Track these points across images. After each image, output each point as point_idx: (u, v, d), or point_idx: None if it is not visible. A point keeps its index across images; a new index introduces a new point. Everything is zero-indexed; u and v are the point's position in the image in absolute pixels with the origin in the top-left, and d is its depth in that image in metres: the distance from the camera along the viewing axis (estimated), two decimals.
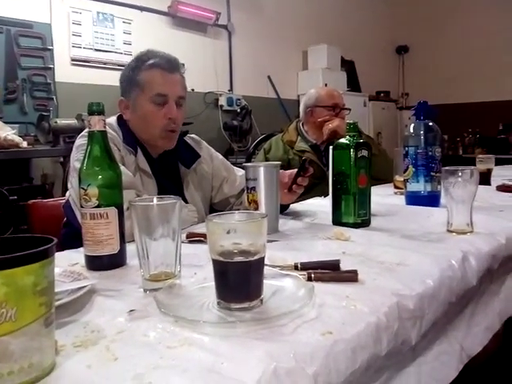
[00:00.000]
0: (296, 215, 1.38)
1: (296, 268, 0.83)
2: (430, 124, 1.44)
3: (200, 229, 1.18)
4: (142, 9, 3.86)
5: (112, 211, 0.90)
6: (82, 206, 0.90)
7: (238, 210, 1.52)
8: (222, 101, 4.17)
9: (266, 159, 2.10)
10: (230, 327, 0.61)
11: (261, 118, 4.27)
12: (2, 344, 0.47)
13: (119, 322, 0.65)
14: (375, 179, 1.97)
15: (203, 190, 1.53)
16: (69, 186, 1.34)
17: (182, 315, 0.63)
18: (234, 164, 1.67)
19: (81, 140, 1.32)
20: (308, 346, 0.55)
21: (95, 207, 0.89)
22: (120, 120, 1.41)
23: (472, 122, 5.35)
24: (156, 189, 1.38)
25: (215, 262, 0.66)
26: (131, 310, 0.68)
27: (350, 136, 1.20)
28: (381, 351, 0.61)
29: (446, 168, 1.12)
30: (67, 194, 1.39)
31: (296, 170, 1.27)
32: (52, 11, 3.36)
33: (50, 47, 3.34)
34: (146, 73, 1.37)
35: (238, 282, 0.65)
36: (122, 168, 1.25)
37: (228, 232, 0.65)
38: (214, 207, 1.58)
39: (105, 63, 3.64)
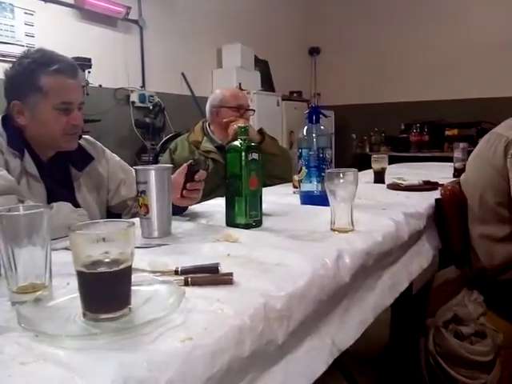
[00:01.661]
0: (193, 216, 1.38)
1: (176, 273, 0.84)
2: (322, 127, 1.51)
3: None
4: (45, 0, 3.66)
5: None
6: None
7: (137, 212, 1.50)
8: (134, 97, 4.06)
9: (172, 159, 2.09)
10: (91, 339, 0.60)
11: (175, 115, 4.22)
12: None
13: None
14: (277, 178, 2.05)
15: (98, 193, 1.49)
16: None
17: (42, 329, 0.61)
18: (146, 163, 1.65)
19: None
20: (164, 354, 0.56)
21: None
22: (4, 121, 1.34)
23: (378, 122, 5.66)
24: (45, 193, 1.32)
25: (79, 274, 0.65)
26: None
27: (241, 139, 1.22)
28: (243, 353, 0.63)
29: (329, 170, 1.18)
30: None
31: (184, 168, 1.28)
32: None
33: None
34: (50, 79, 1.31)
35: (103, 292, 0.65)
36: (1, 173, 1.19)
37: (96, 242, 0.64)
38: (111, 210, 1.54)
39: (4, 56, 3.40)
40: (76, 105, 1.35)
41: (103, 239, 0.65)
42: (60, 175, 1.40)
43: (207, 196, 1.57)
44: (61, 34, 3.63)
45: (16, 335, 0.62)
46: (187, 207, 1.40)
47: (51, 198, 1.31)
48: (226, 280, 0.79)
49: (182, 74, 4.58)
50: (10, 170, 1.25)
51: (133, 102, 4.06)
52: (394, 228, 1.22)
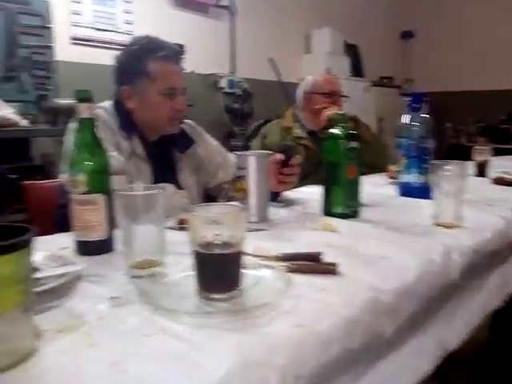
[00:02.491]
0: (289, 203, 1.39)
1: (278, 259, 0.85)
2: (424, 116, 1.44)
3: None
4: None
5: (100, 198, 0.91)
6: (71, 192, 0.92)
7: (233, 196, 1.54)
8: (223, 83, 4.15)
9: (263, 144, 2.11)
10: (206, 317, 0.63)
11: (262, 101, 4.25)
12: None
13: (100, 309, 0.66)
14: (369, 167, 1.99)
15: (198, 176, 1.54)
16: (60, 168, 1.35)
17: (161, 304, 0.65)
18: (236, 147, 1.69)
19: (72, 124, 1.33)
20: (280, 339, 0.57)
21: (83, 193, 0.90)
22: (116, 105, 1.42)
23: (476, 111, 5.32)
24: (151, 174, 1.40)
25: (195, 253, 0.67)
26: (113, 297, 0.70)
27: (340, 127, 1.20)
28: (352, 344, 0.63)
29: (435, 161, 1.12)
30: (60, 175, 1.41)
31: (280, 156, 1.28)
32: None
33: (49, 25, 3.31)
34: (157, 65, 1.36)
35: (217, 273, 0.67)
36: (114, 154, 1.26)
37: (209, 224, 0.67)
38: (209, 192, 1.59)
39: (106, 42, 3.61)
40: (180, 90, 1.40)
41: (215, 222, 0.67)
42: (164, 157, 1.46)
43: (299, 183, 1.56)
44: (157, 21, 3.78)
45: (137, 308, 0.66)
46: (281, 193, 1.40)
47: (156, 178, 1.38)
48: (330, 270, 0.78)
49: (271, 60, 4.59)
50: (121, 151, 1.33)
51: (222, 88, 4.14)
52: (503, 225, 1.14)
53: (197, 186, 1.53)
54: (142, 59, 1.37)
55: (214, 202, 1.60)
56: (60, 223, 1.41)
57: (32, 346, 0.55)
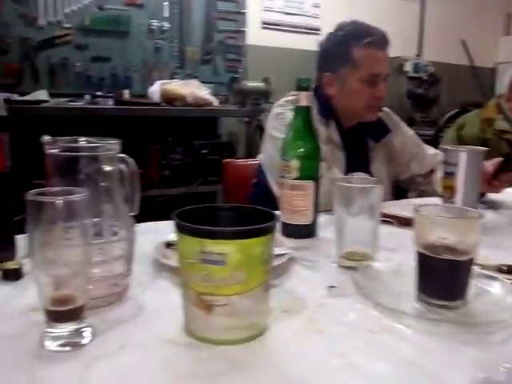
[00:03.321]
0: (495, 206, 1.26)
1: (500, 270, 0.78)
2: None
3: (386, 208, 1.17)
4: None
5: (310, 184, 0.94)
6: (282, 176, 0.96)
7: (425, 191, 1.46)
8: (408, 67, 3.94)
9: (459, 136, 1.95)
10: (432, 324, 0.60)
11: (449, 87, 3.94)
12: (232, 302, 0.54)
13: (319, 296, 0.69)
14: None
15: (389, 166, 1.49)
16: (262, 150, 1.43)
17: (380, 301, 0.64)
18: (423, 137, 1.60)
19: (278, 109, 1.38)
20: None
21: (295, 179, 0.94)
22: (316, 91, 1.44)
23: None
24: (344, 161, 1.40)
25: (420, 255, 0.65)
26: (331, 286, 0.71)
27: None
28: None
29: None
30: (259, 156, 1.49)
31: (500, 159, 1.16)
32: None
33: (244, 11, 3.51)
34: (362, 51, 1.34)
35: (444, 279, 0.63)
36: None
37: (437, 225, 0.64)
38: (398, 184, 1.54)
39: (293, 26, 3.71)
40: (382, 77, 1.36)
41: (443, 224, 0.64)
42: (358, 145, 1.45)
43: None
44: (344, 3, 3.73)
45: (354, 300, 0.66)
46: (485, 194, 1.28)
47: (349, 166, 1.37)
48: None
49: (463, 42, 4.21)
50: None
51: (406, 72, 3.94)
52: None
53: (388, 177, 1.48)
54: (346, 46, 1.36)
55: (404, 194, 1.54)
56: (254, 202, 1.51)
57: (266, 323, 0.59)
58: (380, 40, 1.35)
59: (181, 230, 0.54)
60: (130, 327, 0.59)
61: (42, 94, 2.71)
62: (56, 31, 2.96)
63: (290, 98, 1.38)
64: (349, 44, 1.36)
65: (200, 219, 0.55)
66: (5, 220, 0.77)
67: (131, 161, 0.69)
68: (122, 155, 0.67)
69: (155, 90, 2.86)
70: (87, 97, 2.85)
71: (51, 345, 0.53)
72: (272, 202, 1.34)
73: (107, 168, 0.65)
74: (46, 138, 0.62)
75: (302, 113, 0.95)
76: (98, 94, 2.85)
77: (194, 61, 3.36)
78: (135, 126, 2.87)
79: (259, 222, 0.55)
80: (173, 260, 0.77)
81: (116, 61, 3.11)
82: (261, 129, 3.13)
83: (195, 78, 3.20)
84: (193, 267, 0.54)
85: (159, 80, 3.01)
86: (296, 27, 3.70)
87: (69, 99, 2.81)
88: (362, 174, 1.30)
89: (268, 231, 0.54)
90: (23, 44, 2.89)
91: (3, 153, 0.73)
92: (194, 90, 2.85)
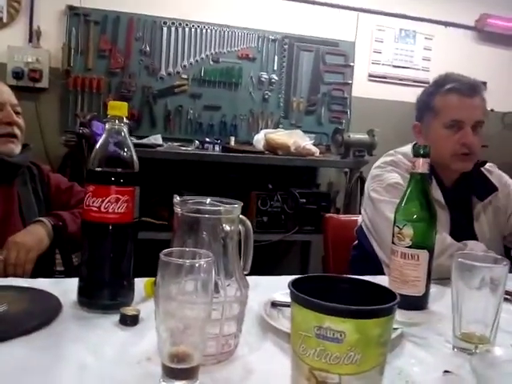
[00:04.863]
0: None
1: None
2: None
3: None
4: (446, 24, 3.73)
5: (423, 254, 0.90)
6: (393, 243, 0.93)
7: None
8: None
9: None
10: None
11: None
12: (344, 382, 0.52)
13: (434, 381, 0.64)
14: None
15: (497, 225, 1.39)
16: (362, 212, 1.40)
17: None
18: None
19: (377, 171, 1.36)
20: None
21: (407, 247, 0.91)
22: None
23: None
24: (448, 221, 1.32)
25: None
26: (446, 371, 0.66)
27: None
28: None
29: None
30: (360, 218, 1.46)
31: None
32: (358, 30, 3.57)
33: (352, 64, 3.56)
34: (442, 98, 1.34)
35: None
36: None
37: None
38: (505, 243, 1.42)
39: (401, 79, 3.67)
40: (469, 123, 1.30)
41: None
42: (461, 203, 1.37)
43: None
44: (456, 57, 3.62)
45: None
46: None
47: (452, 226, 1.30)
48: None
49: None
50: None
51: None
52: None
53: (494, 237, 1.38)
54: (430, 95, 1.37)
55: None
56: (354, 265, 1.48)
57: None
58: (465, 87, 1.30)
59: (298, 301, 0.54)
60: None
61: (157, 139, 2.93)
62: (174, 81, 3.22)
63: (388, 159, 1.38)
64: (433, 92, 1.37)
65: (314, 289, 0.55)
66: (129, 268, 0.83)
67: (248, 222, 0.72)
68: (241, 217, 0.70)
69: (260, 138, 2.97)
70: (196, 142, 3.03)
71: None
72: (372, 265, 1.31)
73: (227, 228, 0.68)
74: (177, 198, 0.66)
75: (419, 179, 0.92)
76: (207, 140, 3.02)
77: (299, 111, 3.45)
78: (238, 172, 2.98)
79: (376, 299, 0.53)
80: (279, 322, 0.77)
81: (225, 109, 3.29)
82: (362, 181, 3.09)
83: (299, 127, 3.27)
84: (307, 341, 0.53)
85: (264, 129, 3.13)
86: (403, 80, 3.66)
87: (180, 144, 3.02)
88: (480, 245, 1.22)
89: (389, 313, 0.53)
90: (144, 92, 3.17)
91: (134, 204, 0.79)
92: (297, 139, 2.91)
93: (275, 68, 3.38)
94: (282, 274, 1.03)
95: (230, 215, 0.68)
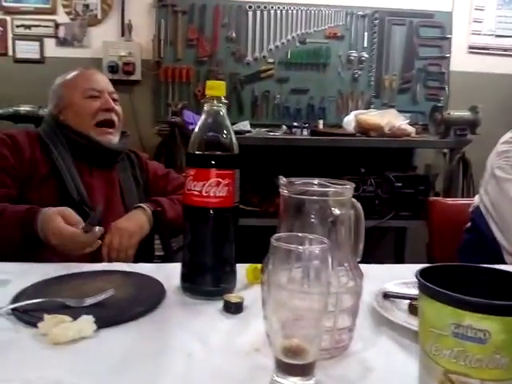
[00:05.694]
0: None
1: None
2: None
3: None
4: None
5: None
6: None
7: None
8: None
9: None
10: None
11: None
12: None
13: None
14: None
15: None
16: (481, 191, 1.27)
17: None
18: None
19: (504, 146, 1.22)
20: None
21: None
22: None
23: None
24: None
25: None
26: None
27: None
28: None
29: None
30: (476, 198, 1.33)
31: None
32: None
33: (449, 36, 3.29)
34: None
35: None
36: None
37: None
38: None
39: (505, 50, 3.34)
40: None
41: None
42: None
43: None
44: None
45: None
46: None
47: None
48: None
49: None
50: None
51: None
52: None
53: None
54: None
55: None
56: (466, 250, 1.35)
57: None
58: None
59: (430, 294, 0.47)
60: None
61: (245, 125, 2.92)
62: (261, 66, 3.18)
63: None
64: None
65: (446, 281, 0.48)
66: (231, 253, 0.81)
67: (359, 206, 0.65)
68: (352, 200, 0.64)
69: (350, 120, 2.84)
70: (284, 127, 2.98)
71: None
72: (488, 250, 1.18)
73: (337, 211, 0.62)
74: (283, 179, 0.62)
75: None
76: (295, 124, 2.95)
77: (391, 90, 3.26)
78: (328, 156, 2.89)
79: None
80: (394, 315, 0.70)
81: (313, 92, 3.20)
82: (465, 163, 2.86)
83: (392, 107, 3.09)
84: (442, 340, 0.46)
85: (354, 110, 2.99)
86: (508, 50, 3.32)
87: (268, 129, 2.98)
88: None
89: None
90: (232, 79, 3.17)
91: (234, 188, 0.76)
92: (390, 119, 2.75)
93: (365, 45, 3.21)
94: (375, 262, 0.96)
95: (339, 197, 0.62)
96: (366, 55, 3.21)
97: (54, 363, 0.57)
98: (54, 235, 1.02)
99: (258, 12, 3.16)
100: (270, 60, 3.18)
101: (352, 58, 3.19)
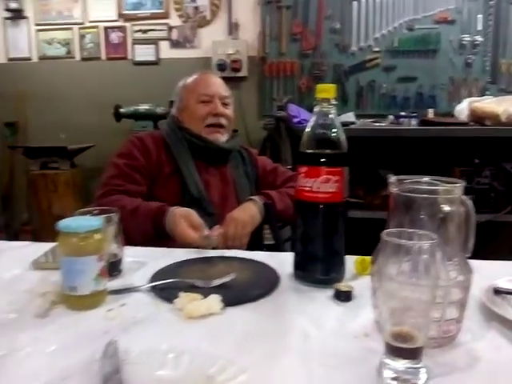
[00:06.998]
0: None
1: None
2: None
3: None
4: None
5: None
6: None
7: None
8: None
9: None
10: None
11: None
12: None
13: None
14: None
15: None
16: None
17: None
18: None
19: None
20: None
21: None
22: None
23: None
24: None
25: None
26: None
27: None
28: None
29: None
30: None
31: None
32: None
33: None
34: None
35: None
36: None
37: None
38: None
39: None
40: None
41: None
42: None
43: None
44: None
45: None
46: None
47: None
48: None
49: None
50: None
51: None
52: None
53: None
54: None
55: None
56: None
57: None
58: None
59: None
60: (464, 377, 0.57)
61: (349, 116, 2.92)
62: (366, 56, 3.14)
63: None
64: None
65: None
66: (341, 246, 0.86)
67: (469, 203, 0.67)
68: (462, 197, 0.66)
69: (463, 108, 2.71)
70: (391, 117, 2.92)
71: (389, 375, 0.56)
72: None
73: (446, 209, 0.65)
74: (392, 178, 0.66)
75: None
76: (402, 114, 2.88)
77: (510, 74, 3.04)
78: (439, 146, 2.79)
79: None
80: (505, 311, 0.71)
81: (422, 80, 3.09)
82: None
83: (510, 93, 2.89)
84: None
85: (468, 97, 2.84)
86: None
87: (373, 120, 2.95)
88: None
89: None
90: (336, 70, 3.18)
91: (343, 185, 0.81)
92: (508, 107, 2.57)
93: (479, 28, 3.02)
94: (490, 258, 0.94)
95: (449, 195, 0.65)
96: (481, 39, 3.02)
97: (191, 334, 0.68)
98: (179, 238, 1.18)
99: (363, 1, 3.12)
100: (376, 49, 3.13)
101: (464, 42, 3.03)
